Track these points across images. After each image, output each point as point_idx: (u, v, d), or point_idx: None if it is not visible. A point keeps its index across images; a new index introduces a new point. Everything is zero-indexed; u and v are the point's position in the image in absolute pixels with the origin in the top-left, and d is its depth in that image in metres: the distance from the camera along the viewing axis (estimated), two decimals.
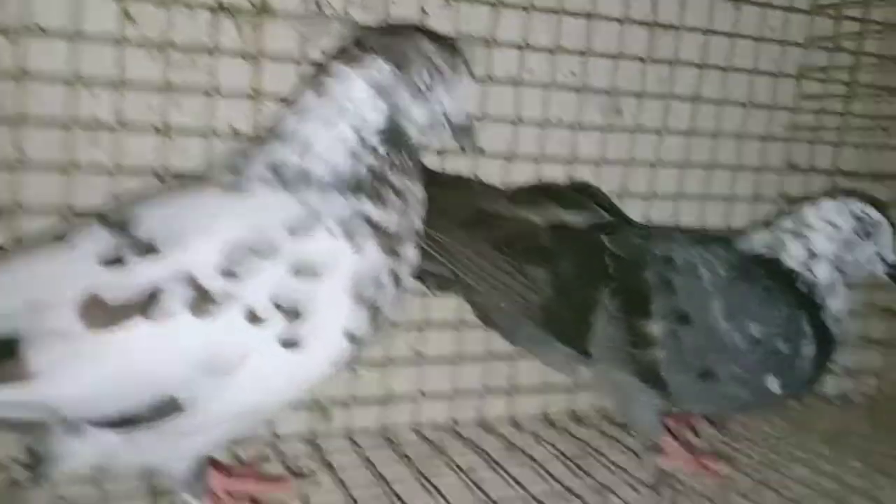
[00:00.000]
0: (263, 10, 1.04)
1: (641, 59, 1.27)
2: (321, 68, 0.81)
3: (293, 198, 0.76)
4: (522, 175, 1.21)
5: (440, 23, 1.13)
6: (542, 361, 1.14)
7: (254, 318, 0.71)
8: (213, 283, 0.71)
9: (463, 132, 0.81)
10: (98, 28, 0.97)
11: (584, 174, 1.26)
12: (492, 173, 1.19)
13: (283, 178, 0.77)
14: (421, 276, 1.04)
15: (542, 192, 1.13)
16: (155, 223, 0.74)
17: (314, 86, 0.79)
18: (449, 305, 1.19)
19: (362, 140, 0.77)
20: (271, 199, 0.76)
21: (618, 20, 1.23)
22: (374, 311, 0.77)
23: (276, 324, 0.72)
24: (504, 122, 1.19)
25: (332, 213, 0.76)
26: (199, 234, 0.73)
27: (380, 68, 0.77)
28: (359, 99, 0.77)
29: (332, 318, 0.75)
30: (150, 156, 1.02)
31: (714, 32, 1.31)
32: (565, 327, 1.03)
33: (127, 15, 0.98)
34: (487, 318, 1.12)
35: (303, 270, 0.73)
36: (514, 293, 1.01)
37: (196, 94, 1.02)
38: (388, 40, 0.79)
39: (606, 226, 1.09)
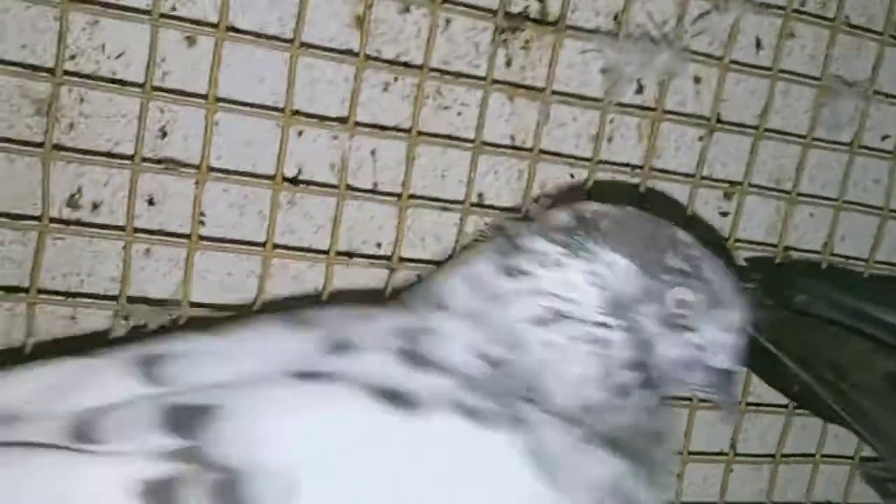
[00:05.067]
0: None
1: None
2: (502, 232, 0.54)
3: (515, 437, 0.47)
4: None
5: None
6: None
7: None
8: None
9: (723, 382, 0.54)
10: None
11: None
12: None
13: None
14: None
15: None
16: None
17: (494, 261, 0.54)
18: None
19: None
20: (472, 441, 0.47)
21: None
22: None
23: None
24: None
25: (583, 482, 0.48)
26: None
27: (618, 264, 0.51)
28: (580, 305, 0.51)
29: None
30: None
31: None
32: None
33: None
34: None
35: None
36: None
37: None
38: (627, 222, 0.54)
39: None
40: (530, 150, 0.70)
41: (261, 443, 0.42)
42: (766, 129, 0.75)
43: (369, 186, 0.69)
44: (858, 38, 0.76)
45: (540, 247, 0.52)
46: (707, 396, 0.55)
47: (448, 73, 0.69)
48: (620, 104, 0.70)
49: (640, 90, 0.72)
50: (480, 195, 0.72)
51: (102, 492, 0.40)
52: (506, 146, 0.71)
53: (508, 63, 0.71)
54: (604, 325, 0.50)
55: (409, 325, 0.51)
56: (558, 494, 0.45)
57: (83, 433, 0.43)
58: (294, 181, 0.67)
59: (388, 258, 0.68)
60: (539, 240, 0.52)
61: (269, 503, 0.41)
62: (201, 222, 0.65)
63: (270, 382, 0.45)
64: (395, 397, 0.45)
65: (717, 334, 0.52)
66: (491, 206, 0.72)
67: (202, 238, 0.64)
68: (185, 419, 0.43)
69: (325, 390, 0.45)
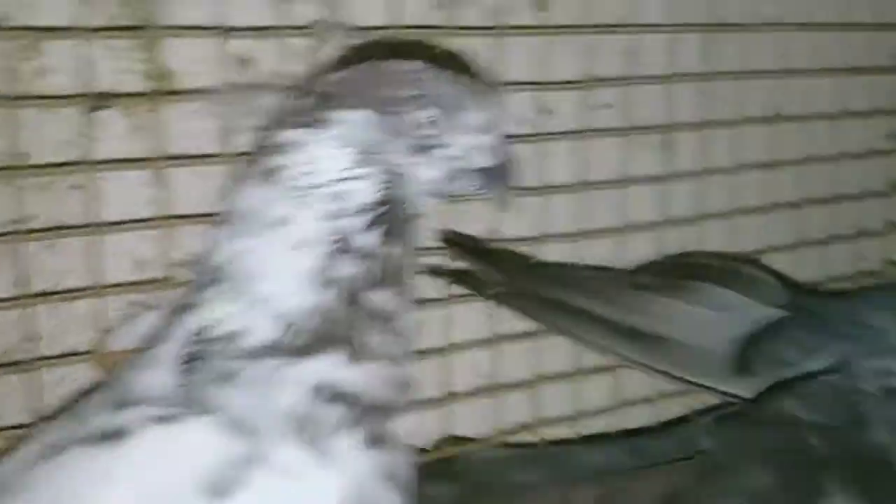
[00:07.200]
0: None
1: None
2: (261, 148, 0.55)
3: (209, 417, 0.50)
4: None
5: None
6: None
7: None
8: None
9: (495, 178, 0.57)
10: None
11: None
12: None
13: (199, 367, 0.51)
14: None
15: (684, 268, 0.88)
16: None
17: (252, 176, 0.54)
18: None
19: (340, 238, 0.52)
20: (170, 438, 0.50)
21: None
22: None
23: None
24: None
25: (280, 418, 0.50)
26: None
27: (353, 119, 0.53)
28: (329, 170, 0.53)
29: None
30: None
31: None
32: None
33: None
34: None
35: None
36: None
37: None
38: (355, 78, 0.56)
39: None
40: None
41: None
42: None
43: None
44: None
45: (288, 137, 0.53)
46: (480, 197, 0.57)
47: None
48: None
49: None
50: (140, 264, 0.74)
51: None
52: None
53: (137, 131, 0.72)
54: (354, 178, 0.53)
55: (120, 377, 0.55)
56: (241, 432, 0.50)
57: None
58: None
59: None
60: (285, 132, 0.54)
61: None
62: None
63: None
64: (107, 434, 0.50)
65: (469, 138, 0.55)
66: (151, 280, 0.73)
67: None
68: None
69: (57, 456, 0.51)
